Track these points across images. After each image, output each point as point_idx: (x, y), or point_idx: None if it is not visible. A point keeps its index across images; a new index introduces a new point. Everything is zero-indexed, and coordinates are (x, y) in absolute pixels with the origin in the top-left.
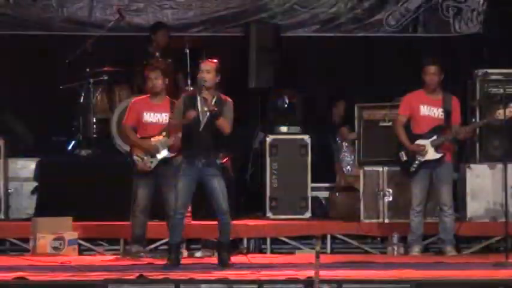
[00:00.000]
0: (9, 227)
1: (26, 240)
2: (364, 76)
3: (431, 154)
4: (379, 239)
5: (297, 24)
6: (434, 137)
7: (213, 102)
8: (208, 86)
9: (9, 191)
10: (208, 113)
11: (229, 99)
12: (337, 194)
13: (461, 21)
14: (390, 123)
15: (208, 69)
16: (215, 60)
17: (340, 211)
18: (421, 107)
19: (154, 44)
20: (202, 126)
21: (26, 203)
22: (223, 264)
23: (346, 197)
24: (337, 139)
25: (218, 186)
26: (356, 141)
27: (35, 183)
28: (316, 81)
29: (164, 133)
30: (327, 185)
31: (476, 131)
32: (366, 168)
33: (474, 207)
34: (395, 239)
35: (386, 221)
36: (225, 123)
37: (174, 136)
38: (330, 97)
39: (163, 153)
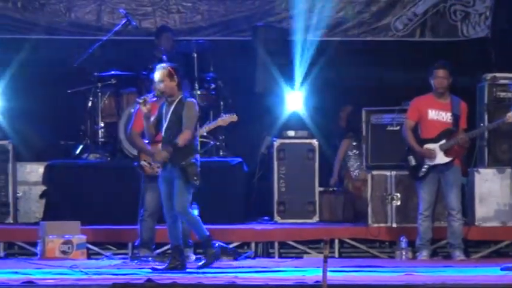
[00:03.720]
0: (17, 231)
1: (34, 244)
2: (371, 80)
3: (440, 158)
4: (387, 243)
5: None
6: (443, 141)
7: (173, 105)
8: (166, 94)
9: (18, 195)
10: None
11: (188, 100)
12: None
13: (469, 25)
14: (398, 128)
15: (160, 78)
16: (165, 67)
17: (326, 212)
18: (430, 111)
19: (159, 48)
20: (164, 129)
21: (34, 207)
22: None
23: (334, 199)
24: None
25: (177, 187)
26: (364, 146)
27: (44, 187)
28: (324, 85)
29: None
30: (334, 189)
31: (485, 136)
32: (374, 172)
33: (483, 212)
34: (403, 243)
35: (394, 225)
36: (182, 138)
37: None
38: (337, 101)
39: None
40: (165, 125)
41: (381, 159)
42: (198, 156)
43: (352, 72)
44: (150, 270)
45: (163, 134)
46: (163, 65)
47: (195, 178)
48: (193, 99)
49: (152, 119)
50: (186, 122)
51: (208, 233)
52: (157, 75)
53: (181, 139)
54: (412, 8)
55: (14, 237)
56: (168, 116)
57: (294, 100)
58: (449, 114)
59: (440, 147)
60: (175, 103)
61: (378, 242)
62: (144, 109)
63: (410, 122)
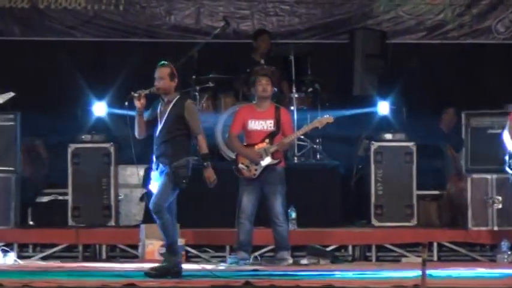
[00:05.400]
0: (119, 234)
1: (135, 247)
2: (471, 83)
3: None
4: (488, 246)
5: (403, 31)
6: None
7: (171, 105)
8: (162, 92)
9: (120, 197)
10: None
11: (188, 100)
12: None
13: None
14: (499, 131)
15: (160, 76)
16: (167, 65)
17: (425, 217)
18: None
19: (257, 51)
20: (159, 129)
21: (135, 209)
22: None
23: (429, 203)
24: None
25: (162, 185)
26: (463, 149)
27: (144, 190)
28: (422, 88)
29: (267, 140)
30: (435, 192)
31: None
32: (474, 175)
33: None
34: (505, 247)
35: (495, 228)
36: (203, 145)
37: (278, 143)
38: (436, 104)
39: (267, 160)
40: (160, 126)
41: (481, 162)
42: (190, 158)
43: (452, 75)
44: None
45: (157, 133)
46: (165, 62)
47: (184, 181)
48: (192, 100)
49: (146, 117)
50: (195, 127)
51: (176, 240)
52: (158, 71)
53: (203, 146)
54: None
55: (116, 240)
56: (165, 116)
57: (392, 103)
58: None
59: None
60: (172, 103)
61: (479, 246)
62: (138, 104)
63: None
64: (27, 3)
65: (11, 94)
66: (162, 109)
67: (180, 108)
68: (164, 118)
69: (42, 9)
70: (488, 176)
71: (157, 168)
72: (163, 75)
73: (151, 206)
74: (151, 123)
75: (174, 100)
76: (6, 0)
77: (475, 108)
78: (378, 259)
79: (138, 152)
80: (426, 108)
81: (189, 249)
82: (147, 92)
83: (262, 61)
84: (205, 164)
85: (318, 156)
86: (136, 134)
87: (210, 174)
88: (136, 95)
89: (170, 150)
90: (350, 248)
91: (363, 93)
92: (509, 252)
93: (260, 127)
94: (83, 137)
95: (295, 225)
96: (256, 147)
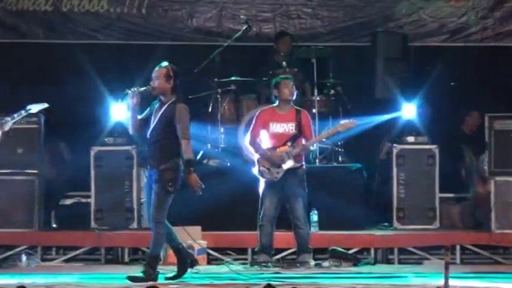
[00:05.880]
0: (141, 236)
1: None
2: (494, 86)
3: None
4: (511, 249)
5: (425, 34)
6: None
7: (165, 107)
8: (157, 92)
9: (142, 200)
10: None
11: (179, 104)
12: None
13: None
14: None
15: (156, 75)
16: (164, 66)
17: (447, 220)
18: None
19: (279, 53)
20: (151, 129)
21: None
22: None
23: (451, 207)
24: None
25: (155, 194)
26: (487, 152)
27: None
28: (445, 92)
29: (289, 143)
30: (458, 195)
31: None
32: (497, 178)
33: None
34: None
35: None
36: (188, 150)
37: (301, 146)
38: (459, 107)
39: (288, 164)
40: (152, 126)
41: (505, 165)
42: (179, 161)
43: (475, 77)
44: (272, 275)
45: (148, 134)
46: (165, 63)
47: (170, 184)
48: (184, 104)
49: (142, 115)
50: (181, 131)
51: (159, 255)
52: (154, 71)
53: (187, 151)
54: None
55: (138, 243)
56: (158, 117)
57: (414, 105)
58: None
59: None
60: (166, 105)
61: (502, 248)
62: (131, 101)
63: None
64: (51, 6)
65: (45, 105)
66: (157, 109)
67: (171, 111)
68: (157, 119)
69: (65, 12)
70: None
71: (148, 171)
72: (159, 76)
73: (150, 217)
74: (146, 122)
75: (169, 102)
76: (30, 3)
77: (498, 111)
78: (400, 262)
79: None
80: (448, 110)
81: (210, 251)
82: (142, 90)
83: (284, 63)
84: (188, 170)
85: (340, 158)
86: (130, 131)
87: (192, 181)
88: (130, 92)
89: (158, 153)
90: (372, 250)
91: (385, 96)
92: None
93: (282, 130)
94: (106, 139)
95: (316, 228)
96: (278, 150)
